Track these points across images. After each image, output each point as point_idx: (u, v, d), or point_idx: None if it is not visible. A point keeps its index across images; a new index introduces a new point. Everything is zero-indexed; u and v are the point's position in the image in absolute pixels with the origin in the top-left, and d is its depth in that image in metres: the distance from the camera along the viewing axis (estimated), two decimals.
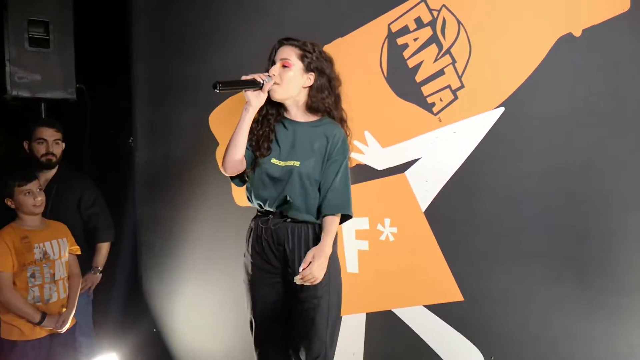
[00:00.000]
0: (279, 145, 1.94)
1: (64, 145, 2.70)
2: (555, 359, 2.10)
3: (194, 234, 2.82)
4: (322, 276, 1.83)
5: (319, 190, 1.93)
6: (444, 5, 2.17)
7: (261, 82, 1.85)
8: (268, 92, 1.88)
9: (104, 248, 2.80)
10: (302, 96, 1.94)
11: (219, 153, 2.72)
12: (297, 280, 1.82)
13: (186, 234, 2.84)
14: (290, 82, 1.89)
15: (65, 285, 2.42)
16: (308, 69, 1.90)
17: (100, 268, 2.78)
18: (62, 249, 2.43)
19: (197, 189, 2.78)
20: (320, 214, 1.92)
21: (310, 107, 1.94)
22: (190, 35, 2.75)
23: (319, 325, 1.91)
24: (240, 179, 2.02)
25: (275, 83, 1.88)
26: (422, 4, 2.21)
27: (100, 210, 2.79)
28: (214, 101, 2.68)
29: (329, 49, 2.33)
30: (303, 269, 1.81)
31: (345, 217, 1.97)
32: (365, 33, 2.32)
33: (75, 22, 3.03)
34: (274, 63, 1.91)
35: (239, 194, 2.65)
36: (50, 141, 2.62)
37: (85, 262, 2.70)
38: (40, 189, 2.38)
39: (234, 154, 1.89)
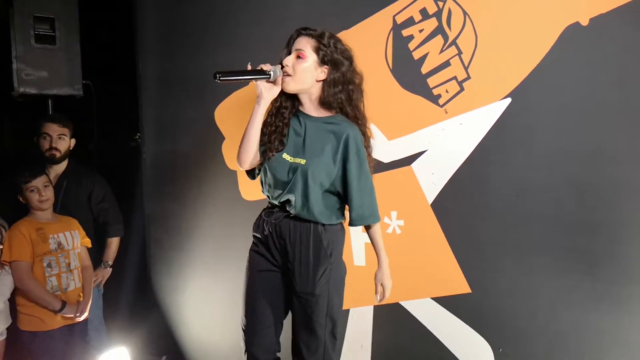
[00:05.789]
0: (292, 141, 1.87)
1: (72, 141, 2.71)
2: (563, 351, 2.09)
3: (202, 229, 2.83)
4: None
5: (338, 194, 1.88)
6: None
7: (269, 71, 1.77)
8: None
9: (113, 243, 2.82)
10: (316, 90, 1.85)
11: (225, 147, 2.73)
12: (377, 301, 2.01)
13: (194, 229, 2.85)
14: (302, 74, 1.80)
15: (80, 275, 2.46)
16: (322, 61, 1.81)
17: (110, 262, 2.80)
18: (75, 240, 2.47)
19: (205, 184, 2.79)
20: (352, 222, 1.89)
21: (323, 102, 1.86)
22: (196, 30, 2.75)
23: (316, 322, 1.88)
24: (251, 173, 1.97)
25: (287, 74, 1.80)
26: None
27: (110, 206, 2.80)
28: (220, 96, 2.68)
29: None
30: (380, 298, 2.00)
31: None
32: (370, 25, 2.31)
33: (81, 19, 3.03)
34: (290, 52, 1.83)
35: (246, 189, 2.66)
36: (54, 136, 2.63)
37: (95, 256, 2.72)
38: (46, 185, 2.38)
39: (248, 148, 1.86)
